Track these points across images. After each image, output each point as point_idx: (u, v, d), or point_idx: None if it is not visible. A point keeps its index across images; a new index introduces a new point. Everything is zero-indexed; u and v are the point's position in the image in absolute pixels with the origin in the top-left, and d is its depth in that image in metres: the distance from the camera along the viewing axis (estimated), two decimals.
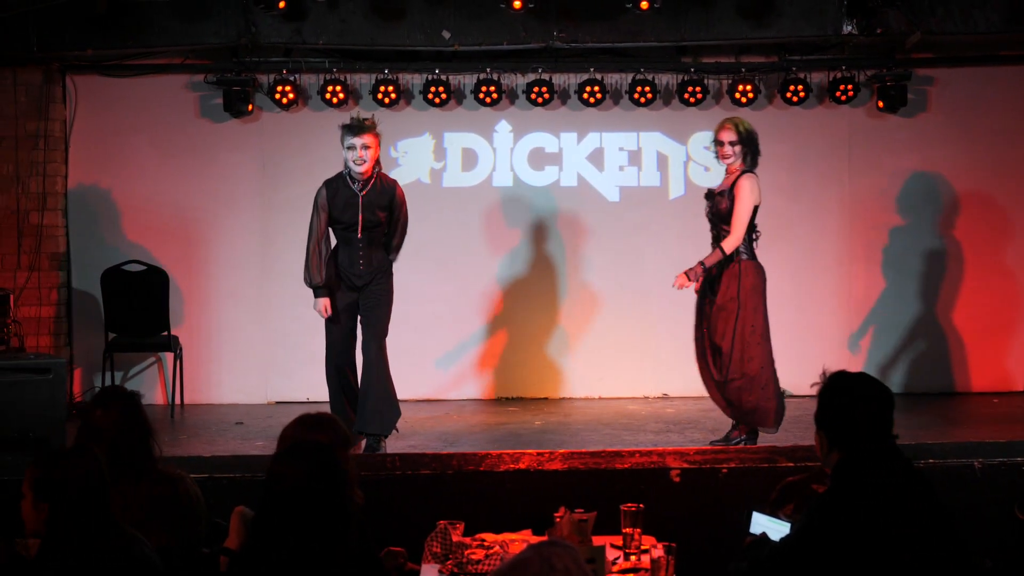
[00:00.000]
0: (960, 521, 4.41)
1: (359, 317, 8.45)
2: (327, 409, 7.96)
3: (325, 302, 8.31)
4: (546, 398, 11.01)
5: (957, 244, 11.00)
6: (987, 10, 10.02)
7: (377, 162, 8.35)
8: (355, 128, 8.25)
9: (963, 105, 11.01)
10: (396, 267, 10.45)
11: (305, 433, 4.73)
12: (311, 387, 10.18)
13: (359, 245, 8.34)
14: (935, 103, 11.05)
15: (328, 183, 8.42)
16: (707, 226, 11.09)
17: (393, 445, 8.33)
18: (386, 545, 5.34)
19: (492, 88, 10.64)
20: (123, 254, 10.50)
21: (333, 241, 8.49)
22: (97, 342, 10.45)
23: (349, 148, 8.23)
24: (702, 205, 10.50)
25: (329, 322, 8.41)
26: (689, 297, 11.01)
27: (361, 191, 8.29)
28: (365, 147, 8.20)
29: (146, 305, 10.29)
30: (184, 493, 5.02)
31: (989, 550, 5.56)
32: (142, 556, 4.29)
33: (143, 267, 10.35)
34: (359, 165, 8.22)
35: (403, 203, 8.45)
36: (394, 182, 8.50)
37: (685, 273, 8.22)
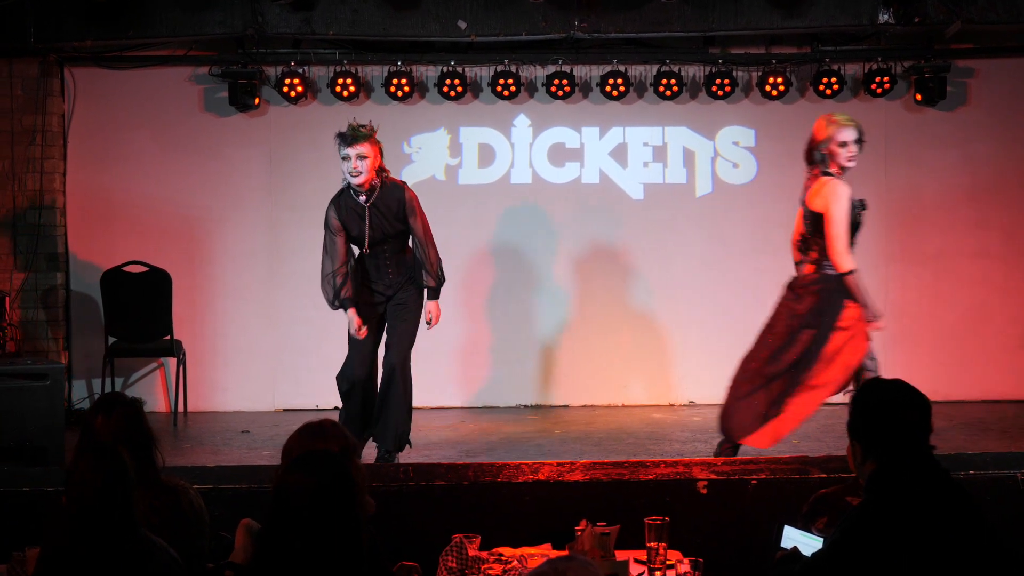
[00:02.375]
0: (1003, 535, 4.39)
1: (385, 329, 8.40)
2: (335, 417, 7.95)
3: (357, 319, 8.19)
4: (567, 406, 11.01)
5: (999, 244, 10.98)
6: None
7: (381, 169, 8.16)
8: (347, 137, 8.03)
9: (1005, 98, 10.99)
10: None
11: (311, 443, 4.73)
12: (320, 394, 10.23)
13: (378, 259, 8.26)
14: (975, 96, 11.03)
15: (334, 200, 8.26)
16: (736, 226, 11.14)
17: (407, 455, 8.34)
18: (400, 559, 5.34)
19: (510, 81, 10.65)
20: (124, 254, 10.52)
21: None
22: (97, 346, 10.49)
23: (344, 159, 8.02)
24: (730, 203, 10.51)
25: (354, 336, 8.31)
26: (712, 299, 11.03)
27: (367, 202, 8.12)
28: (361, 157, 7.98)
29: (148, 308, 10.32)
30: (187, 504, 5.03)
31: None
32: (167, 562, 4.31)
33: (145, 268, 10.38)
34: (355, 177, 8.01)
35: (416, 208, 8.20)
36: (402, 185, 8.27)
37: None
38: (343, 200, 8.21)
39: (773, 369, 7.94)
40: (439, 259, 8.31)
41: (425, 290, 8.33)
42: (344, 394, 8.33)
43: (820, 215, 7.66)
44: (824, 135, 7.75)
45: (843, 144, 7.75)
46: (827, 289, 7.76)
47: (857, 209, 7.73)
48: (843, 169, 7.76)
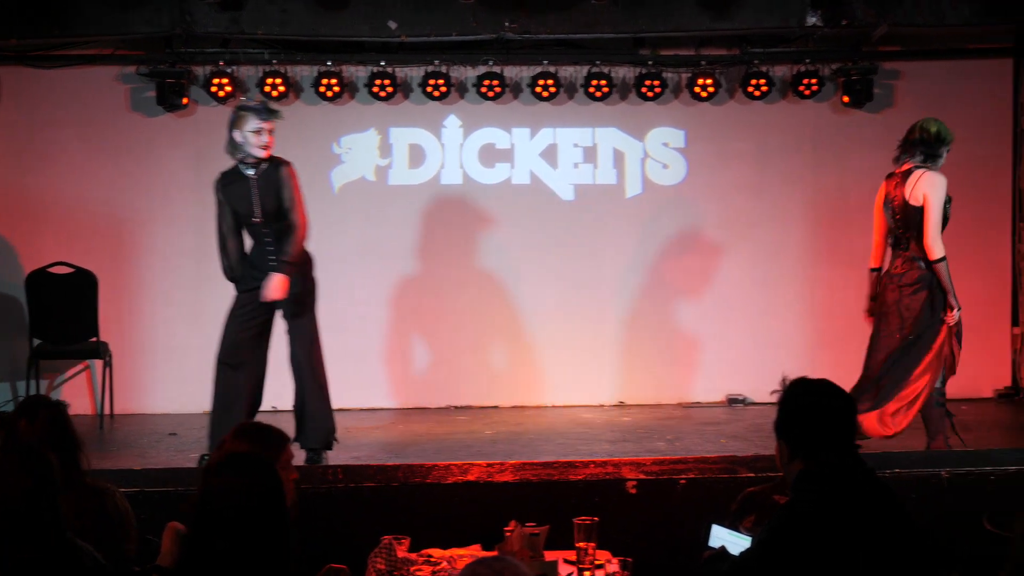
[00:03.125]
0: (927, 533, 4.44)
1: (286, 325, 8.33)
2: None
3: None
4: (496, 406, 11.01)
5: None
6: (956, 1, 10.11)
7: None
8: (264, 112, 8.07)
9: (931, 100, 11.08)
10: (341, 268, 10.46)
11: (240, 444, 4.71)
12: None
13: (265, 238, 8.18)
14: (902, 98, 11.15)
15: (223, 174, 8.26)
16: (665, 226, 11.21)
17: (335, 456, 8.31)
18: (328, 561, 5.32)
19: (441, 81, 10.64)
20: (49, 255, 10.40)
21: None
22: (21, 349, 10.38)
23: (255, 132, 7.99)
24: (660, 204, 10.58)
25: (230, 318, 8.25)
26: (643, 301, 11.10)
27: (255, 176, 8.11)
28: (272, 132, 8.06)
29: (74, 309, 10.22)
30: (113, 508, 5.00)
31: (957, 562, 5.61)
32: (93, 566, 4.27)
33: (70, 269, 10.28)
34: (263, 149, 8.03)
35: (292, 185, 8.12)
36: (283, 160, 8.19)
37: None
38: (232, 175, 8.21)
39: (893, 363, 8.24)
40: (303, 241, 8.12)
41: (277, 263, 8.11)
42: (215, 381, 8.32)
43: (919, 207, 8.02)
44: (947, 136, 8.21)
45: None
46: (932, 283, 8.11)
47: (948, 202, 8.11)
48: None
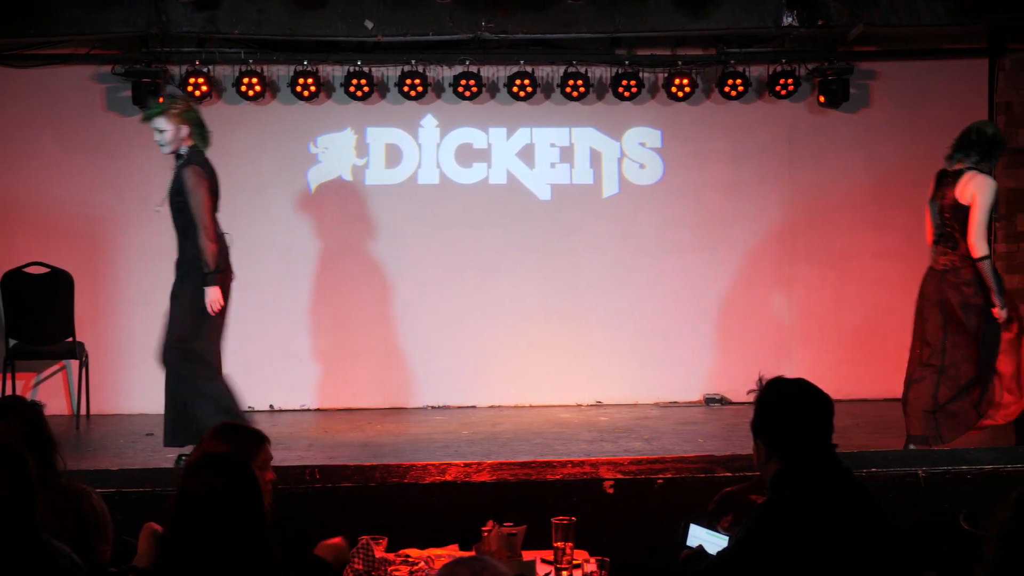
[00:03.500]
0: (904, 532, 4.46)
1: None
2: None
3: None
4: (474, 406, 11.01)
5: (901, 244, 11.09)
6: (931, 2, 10.14)
7: (192, 139, 8.19)
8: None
9: (907, 100, 11.15)
10: (317, 269, 10.46)
11: (218, 445, 4.70)
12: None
13: (176, 235, 8.28)
14: (878, 98, 11.19)
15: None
16: (642, 226, 11.23)
17: (312, 456, 8.30)
18: (304, 562, 5.31)
19: (417, 81, 10.63)
20: (25, 256, 10.36)
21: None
22: None
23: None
24: (637, 204, 10.61)
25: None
26: (621, 301, 11.11)
27: (173, 171, 8.26)
28: (159, 131, 8.16)
29: (49, 310, 10.19)
30: (89, 509, 4.97)
31: (934, 562, 5.64)
32: (69, 568, 4.26)
33: (46, 269, 10.25)
34: (161, 148, 8.22)
35: (191, 188, 8.08)
36: (188, 159, 8.18)
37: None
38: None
39: (969, 367, 8.37)
40: (212, 246, 8.08)
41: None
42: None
43: (967, 206, 8.15)
44: (1002, 140, 8.47)
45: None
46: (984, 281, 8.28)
47: (995, 208, 8.42)
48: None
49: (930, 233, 8.46)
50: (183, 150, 8.17)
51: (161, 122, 8.16)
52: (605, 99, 11.01)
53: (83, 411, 10.30)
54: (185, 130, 8.17)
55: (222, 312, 8.16)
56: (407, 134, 11.06)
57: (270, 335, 10.76)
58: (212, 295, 8.04)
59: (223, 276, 8.15)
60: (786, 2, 10.06)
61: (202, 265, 8.03)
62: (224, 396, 8.18)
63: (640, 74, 10.83)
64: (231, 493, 4.00)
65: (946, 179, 8.31)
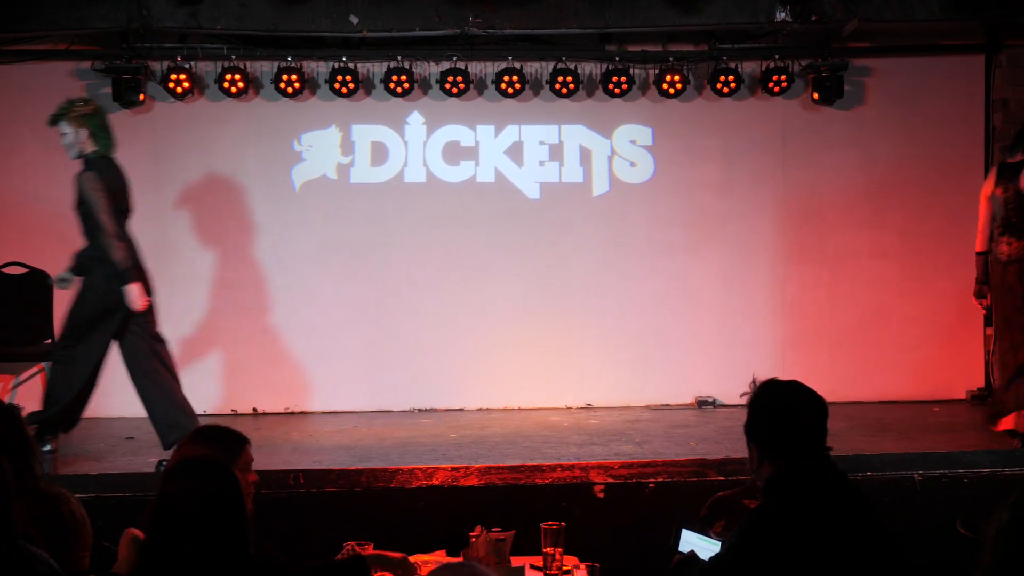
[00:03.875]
0: (899, 536, 4.45)
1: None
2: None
3: None
4: (462, 409, 10.99)
5: (896, 244, 11.12)
6: None
7: (93, 144, 8.47)
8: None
9: (901, 97, 11.14)
10: (301, 268, 10.44)
11: (198, 448, 4.68)
12: (207, 399, 10.14)
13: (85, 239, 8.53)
14: (872, 95, 11.18)
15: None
16: (633, 225, 11.23)
17: (297, 460, 8.28)
18: (288, 568, 5.29)
19: (403, 77, 10.61)
20: (3, 255, 10.33)
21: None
22: None
23: None
24: (628, 203, 10.59)
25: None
26: (611, 301, 11.10)
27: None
28: (61, 135, 8.43)
29: (28, 311, 10.15)
30: (68, 514, 4.95)
31: (930, 566, 5.63)
32: (47, 574, 4.23)
33: (25, 270, 10.21)
34: (68, 152, 8.47)
35: (84, 193, 8.43)
36: (86, 166, 8.49)
37: None
38: None
39: None
40: (118, 244, 8.41)
41: None
42: None
43: None
44: None
45: None
46: None
47: None
48: None
49: (984, 227, 8.75)
50: (89, 154, 8.43)
51: (63, 125, 8.42)
52: (595, 96, 10.98)
53: None
54: (84, 133, 8.44)
55: (112, 311, 8.46)
56: (393, 131, 11.02)
57: (254, 337, 10.72)
58: (133, 292, 8.32)
59: (138, 272, 8.45)
60: None
61: (116, 266, 8.30)
62: (63, 387, 8.64)
63: (631, 70, 10.81)
64: (210, 497, 3.99)
65: (1008, 171, 8.58)
